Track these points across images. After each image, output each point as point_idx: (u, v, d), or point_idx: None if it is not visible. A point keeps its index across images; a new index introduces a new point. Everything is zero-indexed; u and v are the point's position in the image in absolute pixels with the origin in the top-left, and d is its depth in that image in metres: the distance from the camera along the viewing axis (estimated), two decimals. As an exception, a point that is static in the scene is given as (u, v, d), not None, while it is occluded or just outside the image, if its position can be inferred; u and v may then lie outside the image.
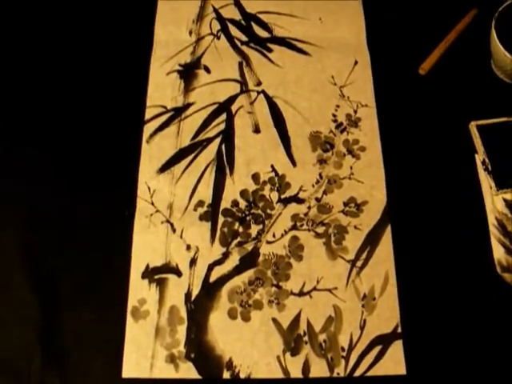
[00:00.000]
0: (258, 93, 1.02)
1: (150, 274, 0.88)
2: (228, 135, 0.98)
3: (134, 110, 1.00)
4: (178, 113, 0.99)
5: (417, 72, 1.03)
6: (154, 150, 0.97)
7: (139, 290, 0.88)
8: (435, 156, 0.97)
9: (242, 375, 0.83)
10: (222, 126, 0.99)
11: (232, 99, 1.01)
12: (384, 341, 0.84)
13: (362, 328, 0.85)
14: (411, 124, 1.00)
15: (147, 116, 0.99)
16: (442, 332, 0.86)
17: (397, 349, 0.84)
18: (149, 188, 0.94)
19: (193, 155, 0.96)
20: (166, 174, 0.95)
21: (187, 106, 1.00)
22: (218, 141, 0.97)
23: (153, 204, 0.93)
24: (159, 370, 0.84)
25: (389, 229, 0.91)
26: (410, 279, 0.88)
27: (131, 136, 0.98)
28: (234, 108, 1.00)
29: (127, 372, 0.83)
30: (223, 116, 0.99)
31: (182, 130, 0.98)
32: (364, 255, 0.89)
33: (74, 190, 0.95)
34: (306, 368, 0.83)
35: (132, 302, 0.87)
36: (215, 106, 1.00)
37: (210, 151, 0.97)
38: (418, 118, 1.00)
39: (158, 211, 0.92)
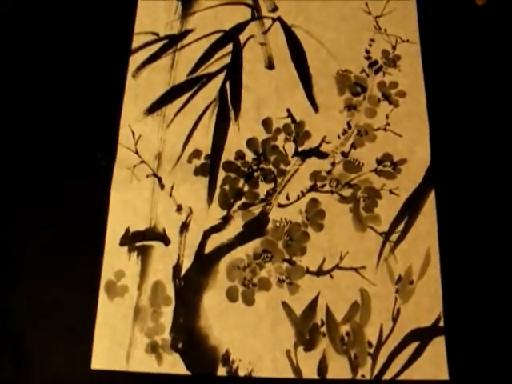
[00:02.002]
0: (274, 20, 0.76)
1: (130, 240, 0.66)
2: (234, 71, 0.73)
3: (118, 36, 0.75)
4: (172, 41, 0.74)
5: (472, 1, 0.77)
6: (141, 87, 0.72)
7: (116, 259, 0.65)
8: (491, 106, 0.72)
9: (242, 372, 0.62)
10: (228, 60, 0.73)
11: (241, 27, 0.75)
12: (422, 336, 0.62)
13: (394, 319, 0.63)
14: (463, 66, 0.73)
15: (134, 45, 0.74)
16: (495, 328, 0.63)
17: (438, 347, 0.62)
18: (133, 133, 0.70)
19: (189, 94, 0.71)
20: (156, 116, 0.70)
21: (185, 33, 0.75)
22: (221, 77, 0.72)
23: (137, 153, 0.69)
24: (137, 361, 0.63)
25: (432, 195, 0.67)
26: (457, 259, 0.65)
27: (114, 68, 0.73)
28: (242, 38, 0.75)
29: (98, 363, 0.63)
30: (229, 47, 0.74)
31: (176, 63, 0.73)
32: (400, 227, 0.65)
33: (42, 133, 0.70)
34: (322, 367, 0.61)
35: (107, 274, 0.65)
36: (219, 35, 0.74)
37: (211, 90, 0.72)
38: (472, 58, 0.74)
39: (142, 162, 0.68)
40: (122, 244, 0.66)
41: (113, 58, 0.73)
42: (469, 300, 0.64)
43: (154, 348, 0.62)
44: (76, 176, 0.68)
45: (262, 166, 0.68)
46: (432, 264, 0.65)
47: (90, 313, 0.64)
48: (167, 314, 0.63)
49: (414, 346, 0.62)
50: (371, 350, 0.62)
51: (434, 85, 0.72)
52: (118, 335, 0.63)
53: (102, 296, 0.64)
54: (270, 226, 0.66)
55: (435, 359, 0.62)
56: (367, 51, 0.74)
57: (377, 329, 0.63)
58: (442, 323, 0.63)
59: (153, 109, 0.71)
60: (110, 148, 0.69)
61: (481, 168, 0.69)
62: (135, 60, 0.74)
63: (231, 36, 0.75)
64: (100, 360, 0.62)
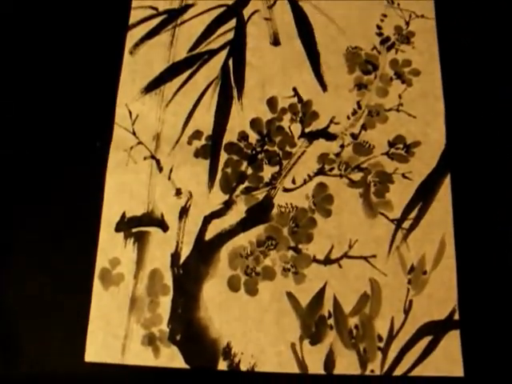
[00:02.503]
0: (280, -7, 0.72)
1: (126, 225, 0.61)
2: (238, 47, 0.67)
3: (114, 11, 0.69)
4: (172, 16, 0.68)
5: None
6: (139, 64, 0.66)
7: (111, 246, 0.60)
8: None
9: (244, 367, 0.57)
10: (230, 36, 0.67)
11: (244, 1, 0.69)
12: (436, 330, 0.57)
13: (406, 311, 0.57)
14: (482, 42, 0.67)
15: (132, 20, 0.69)
16: (513, 320, 0.60)
17: (452, 342, 0.56)
18: (130, 112, 0.64)
19: (190, 71, 0.66)
20: (154, 95, 0.65)
21: (185, 8, 0.69)
22: (223, 54, 0.66)
23: (134, 133, 0.64)
24: (134, 354, 0.58)
25: (448, 180, 0.61)
26: (473, 248, 0.59)
27: (110, 45, 0.67)
28: (246, 12, 0.68)
29: (92, 355, 0.58)
30: (232, 22, 0.68)
31: (176, 39, 0.67)
32: (413, 214, 0.60)
33: (36, 113, 0.65)
34: (329, 362, 0.56)
35: (101, 262, 0.60)
36: (222, 10, 0.68)
37: (213, 67, 0.66)
38: (493, 34, 0.68)
39: (140, 143, 0.63)
40: (117, 230, 0.61)
41: (109, 33, 0.68)
42: (486, 292, 0.58)
43: (150, 340, 0.57)
44: (69, 158, 0.63)
45: (266, 147, 0.63)
46: (447, 253, 0.59)
47: (84, 303, 0.59)
48: (165, 304, 0.58)
49: (426, 340, 0.57)
50: (381, 345, 0.56)
51: (450, 63, 0.66)
52: (113, 326, 0.58)
53: (97, 285, 0.59)
54: (274, 211, 0.60)
55: (449, 354, 0.56)
56: (379, 27, 0.68)
57: (387, 322, 0.57)
58: (456, 316, 0.57)
59: (151, 87, 0.65)
60: (105, 128, 0.64)
61: (499, 152, 0.63)
62: (133, 36, 0.68)
63: (234, 10, 0.69)
64: (94, 352, 0.57)
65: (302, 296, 0.58)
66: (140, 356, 0.58)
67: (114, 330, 0.58)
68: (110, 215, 0.61)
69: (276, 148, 0.63)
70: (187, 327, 0.58)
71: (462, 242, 0.59)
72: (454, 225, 0.60)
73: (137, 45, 0.67)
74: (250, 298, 0.58)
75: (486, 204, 0.61)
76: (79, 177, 0.63)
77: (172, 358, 0.57)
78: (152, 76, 0.66)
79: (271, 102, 0.65)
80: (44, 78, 0.67)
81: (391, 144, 0.63)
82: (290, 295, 0.58)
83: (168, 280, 0.59)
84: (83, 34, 0.68)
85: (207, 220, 0.61)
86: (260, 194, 0.61)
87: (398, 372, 0.56)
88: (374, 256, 0.59)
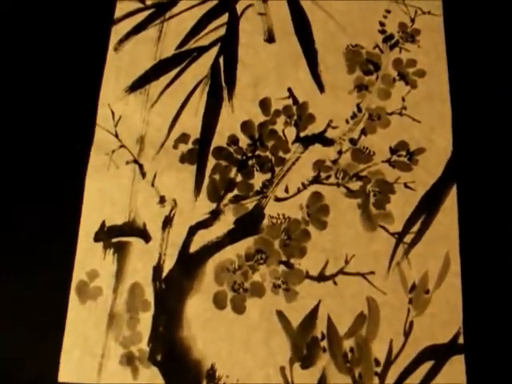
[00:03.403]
0: (275, -13, 0.65)
1: (105, 235, 0.55)
2: (229, 44, 0.60)
3: (99, 4, 0.62)
4: (160, 10, 0.62)
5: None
6: (123, 61, 0.60)
7: (89, 257, 0.54)
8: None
9: (229, 391, 0.53)
10: (222, 32, 0.61)
11: (238, -6, 0.65)
12: (438, 354, 0.51)
13: (406, 334, 0.51)
14: (495, 43, 0.60)
15: (117, 14, 0.62)
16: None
17: (456, 367, 0.50)
18: (112, 113, 0.58)
19: (178, 69, 0.59)
20: (139, 95, 0.59)
21: (174, 1, 0.62)
22: (214, 51, 0.60)
23: (117, 136, 0.57)
24: (110, 374, 0.52)
25: (454, 190, 0.55)
26: (480, 266, 0.53)
27: (93, 40, 0.61)
28: (239, 7, 0.62)
29: (66, 375, 0.52)
30: (224, 17, 0.62)
31: (164, 35, 0.61)
32: (416, 227, 0.54)
33: (11, 110, 0.59)
34: (322, 387, 0.53)
35: (78, 274, 0.54)
36: (213, 4, 0.62)
37: (203, 65, 0.59)
38: (507, 33, 0.61)
39: (122, 146, 0.57)
40: (96, 240, 0.55)
41: (92, 28, 0.61)
42: (493, 314, 0.52)
43: (129, 359, 0.51)
44: (46, 161, 0.57)
45: (257, 153, 0.57)
46: (451, 271, 0.53)
47: (58, 318, 0.52)
48: (145, 321, 0.52)
49: (428, 365, 0.50)
50: (378, 369, 0.50)
51: (459, 64, 0.59)
52: (90, 344, 0.52)
53: (73, 298, 0.53)
54: (265, 222, 0.54)
55: (453, 381, 0.50)
56: (382, 24, 0.61)
57: (386, 345, 0.51)
58: (461, 340, 0.51)
59: (136, 86, 0.59)
60: (86, 130, 0.58)
61: (510, 161, 0.57)
62: (118, 31, 0.62)
63: (227, 5, 0.62)
64: (68, 372, 0.51)
65: (293, 315, 0.52)
66: (117, 376, 0.51)
67: (90, 348, 0.52)
68: (88, 224, 0.55)
69: (268, 153, 0.57)
70: (169, 347, 0.52)
71: (469, 259, 0.53)
72: (460, 240, 0.54)
73: (122, 41, 0.61)
74: (236, 316, 0.52)
75: (495, 218, 0.55)
76: (56, 181, 0.56)
77: (152, 379, 0.51)
78: (137, 74, 0.60)
79: (264, 104, 0.58)
80: (22, 74, 0.60)
81: (393, 151, 0.57)
82: (280, 314, 0.52)
83: (149, 295, 0.53)
84: (65, 28, 0.61)
85: (192, 231, 0.54)
86: (250, 204, 0.55)
87: (397, 400, 0.52)
88: (373, 273, 0.53)
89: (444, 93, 0.58)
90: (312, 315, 0.52)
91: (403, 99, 0.58)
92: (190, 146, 0.57)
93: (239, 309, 0.52)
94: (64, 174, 0.57)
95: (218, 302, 0.53)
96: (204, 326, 0.52)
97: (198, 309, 0.53)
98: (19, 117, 0.59)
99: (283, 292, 0.53)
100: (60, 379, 0.52)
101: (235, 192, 0.56)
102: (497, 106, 0.58)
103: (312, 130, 0.58)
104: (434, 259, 0.53)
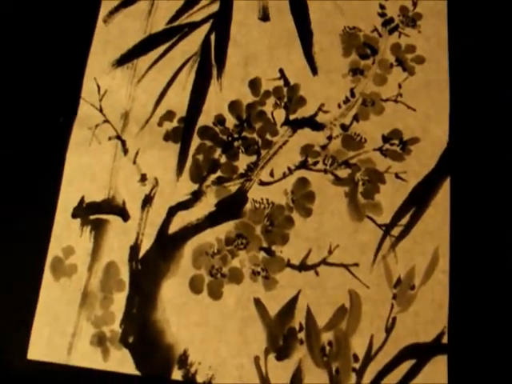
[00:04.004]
0: (273, -37, 0.61)
1: (84, 211, 0.52)
2: (222, 21, 0.56)
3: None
4: (153, -17, 0.61)
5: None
6: (112, 34, 0.57)
7: (66, 233, 0.52)
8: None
9: (200, 378, 0.48)
10: (215, 7, 0.57)
11: (234, -31, 0.61)
12: (420, 353, 0.47)
13: (388, 330, 0.48)
14: (500, 32, 0.56)
15: (109, -16, 0.61)
16: (508, 349, 0.47)
17: (438, 367, 0.47)
18: (98, 87, 0.55)
19: (167, 45, 0.56)
20: (126, 69, 0.55)
21: (169, -26, 0.61)
22: (205, 28, 0.56)
23: (101, 110, 0.54)
24: (80, 354, 0.49)
25: (447, 183, 0.51)
26: (470, 264, 0.49)
27: (82, 11, 0.57)
28: (235, -17, 0.61)
29: (35, 352, 0.50)
30: (219, -7, 0.61)
31: (155, 8, 0.57)
32: (405, 220, 0.50)
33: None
34: (296, 380, 0.47)
35: (54, 249, 0.51)
36: (208, -22, 0.61)
37: (193, 41, 0.56)
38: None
39: (106, 121, 0.54)
40: (74, 216, 0.52)
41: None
42: (480, 314, 0.48)
43: (100, 340, 0.49)
44: (28, 132, 0.54)
45: (244, 134, 0.53)
46: (439, 267, 0.49)
47: (31, 294, 0.50)
48: (119, 301, 0.50)
49: (409, 364, 0.47)
50: (357, 365, 0.47)
51: (460, 51, 0.55)
52: (61, 322, 0.50)
53: (47, 275, 0.51)
54: (247, 206, 0.51)
55: (434, 381, 0.47)
56: (382, 6, 0.57)
57: (366, 340, 0.48)
58: (445, 339, 0.48)
59: (123, 60, 0.56)
60: (70, 103, 0.55)
61: (508, 155, 0.52)
62: (108, 2, 0.58)
63: (222, -20, 0.61)
64: (38, 349, 0.49)
65: (271, 304, 0.49)
66: (87, 357, 0.49)
67: (61, 327, 0.50)
68: (67, 199, 0.53)
69: (255, 135, 0.53)
70: (141, 329, 0.49)
71: (458, 256, 0.49)
72: (451, 235, 0.50)
73: (111, 13, 0.58)
74: (212, 301, 0.49)
75: (489, 214, 0.51)
76: (37, 154, 0.54)
77: (122, 362, 0.49)
78: (125, 48, 0.57)
79: (254, 84, 0.55)
80: (7, 41, 0.57)
81: (386, 139, 0.53)
82: (257, 302, 0.49)
83: (124, 275, 0.50)
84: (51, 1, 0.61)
85: (172, 211, 0.52)
86: (233, 186, 0.52)
87: (374, 398, 0.49)
88: (357, 265, 0.49)
89: (443, 81, 0.54)
90: (291, 305, 0.49)
91: (399, 86, 0.54)
92: (175, 124, 0.54)
93: (216, 294, 0.50)
94: (45, 146, 0.54)
95: (195, 286, 0.50)
96: (179, 310, 0.49)
97: (173, 292, 0.50)
98: (4, 86, 0.57)
99: (262, 279, 0.50)
100: (29, 356, 0.49)
101: (218, 173, 0.52)
102: (498, 98, 0.54)
103: (302, 113, 0.54)
104: (421, 254, 0.50)
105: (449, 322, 0.48)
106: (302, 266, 0.50)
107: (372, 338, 0.48)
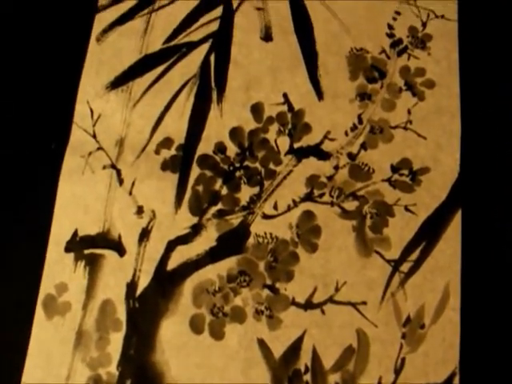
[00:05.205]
0: (276, -20, 0.57)
1: (77, 245, 0.48)
2: (222, 41, 0.52)
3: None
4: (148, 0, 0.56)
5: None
6: (106, 54, 0.52)
7: (59, 269, 0.47)
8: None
9: (202, 423, 0.47)
10: (215, 27, 0.53)
11: (234, -14, 0.56)
12: (431, 395, 0.46)
13: (397, 371, 0.44)
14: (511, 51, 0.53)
15: (102, 1, 0.54)
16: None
17: (450, 411, 0.46)
18: (91, 111, 0.51)
19: (164, 66, 0.51)
20: (120, 92, 0.51)
21: (165, -10, 0.56)
22: (204, 48, 0.52)
23: (94, 136, 0.50)
24: (75, 398, 0.47)
25: (458, 216, 0.47)
26: (482, 301, 0.46)
27: (75, 29, 0.53)
28: (235, 0, 0.55)
29: (27, 396, 0.47)
30: (217, 11, 0.53)
31: (152, 27, 0.53)
32: (415, 255, 0.46)
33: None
34: (302, 425, 0.47)
35: (46, 286, 0.47)
36: (207, -5, 0.56)
37: (192, 63, 0.52)
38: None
39: (100, 149, 0.50)
40: (67, 250, 0.47)
41: (75, 16, 0.53)
42: (492, 355, 0.45)
43: (96, 383, 0.46)
44: (18, 160, 0.49)
45: (246, 163, 0.49)
46: (450, 305, 0.46)
47: (22, 334, 0.46)
48: (116, 342, 0.46)
49: (419, 406, 0.47)
50: (365, 409, 0.47)
51: (472, 76, 0.51)
52: (55, 364, 0.45)
53: (39, 313, 0.46)
54: (250, 241, 0.47)
55: (446, 426, 0.46)
56: (390, 26, 0.53)
57: (374, 381, 0.44)
58: (456, 381, 0.44)
59: (118, 83, 0.51)
60: (62, 128, 0.50)
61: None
62: (101, 20, 0.54)
63: (222, -3, 0.56)
64: (30, 393, 0.47)
65: (275, 344, 0.45)
66: (83, 401, 0.47)
67: (54, 369, 0.45)
68: (59, 232, 0.48)
69: (258, 165, 0.49)
70: (139, 371, 0.45)
71: (470, 293, 0.46)
72: (462, 271, 0.46)
73: (105, 31, 0.53)
74: (214, 342, 0.45)
75: (502, 249, 0.47)
76: (28, 183, 0.49)
77: (120, 405, 0.47)
78: (120, 69, 0.52)
79: (256, 109, 0.50)
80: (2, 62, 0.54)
81: (395, 169, 0.49)
82: (261, 342, 0.45)
83: (121, 314, 0.46)
84: (43, 14, 0.53)
85: (171, 246, 0.47)
86: (235, 220, 0.48)
87: None
88: (365, 303, 0.46)
89: (454, 107, 0.50)
90: (296, 346, 0.45)
91: (409, 112, 0.50)
92: (173, 152, 0.50)
93: (217, 334, 0.46)
94: (37, 175, 0.49)
95: (195, 325, 0.46)
96: (179, 351, 0.45)
97: (172, 332, 0.46)
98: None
99: (266, 319, 0.46)
100: (21, 400, 0.48)
101: (219, 206, 0.48)
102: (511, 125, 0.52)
103: (307, 141, 0.50)
104: (432, 291, 0.46)
105: (460, 363, 0.45)
106: (308, 305, 0.46)
107: (380, 379, 0.45)
